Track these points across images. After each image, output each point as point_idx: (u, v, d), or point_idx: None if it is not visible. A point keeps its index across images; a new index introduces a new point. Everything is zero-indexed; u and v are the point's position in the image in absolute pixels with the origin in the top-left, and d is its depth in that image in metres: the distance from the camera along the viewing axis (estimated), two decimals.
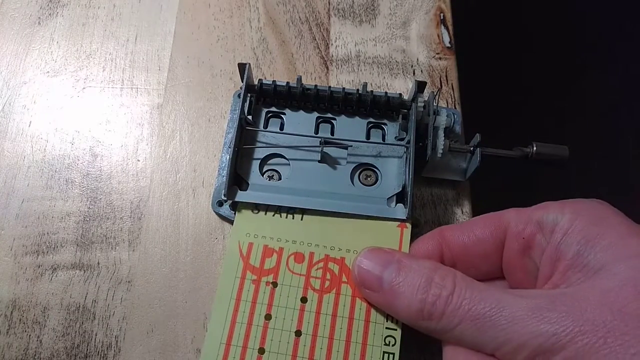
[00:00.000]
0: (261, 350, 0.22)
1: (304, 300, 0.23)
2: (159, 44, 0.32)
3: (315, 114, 0.28)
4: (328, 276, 0.24)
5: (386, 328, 0.23)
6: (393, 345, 0.22)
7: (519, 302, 0.18)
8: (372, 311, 0.23)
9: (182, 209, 0.27)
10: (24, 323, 0.25)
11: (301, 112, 0.28)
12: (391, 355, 0.22)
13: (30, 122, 0.29)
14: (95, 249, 0.26)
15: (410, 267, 0.21)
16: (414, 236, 0.27)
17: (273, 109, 0.28)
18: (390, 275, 0.21)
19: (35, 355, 0.24)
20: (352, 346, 0.22)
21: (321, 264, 0.24)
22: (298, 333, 0.22)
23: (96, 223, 0.27)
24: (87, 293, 0.25)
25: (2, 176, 0.28)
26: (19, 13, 0.33)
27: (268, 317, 0.23)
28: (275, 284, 0.23)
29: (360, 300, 0.23)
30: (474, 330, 0.18)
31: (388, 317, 0.23)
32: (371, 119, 0.28)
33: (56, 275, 0.26)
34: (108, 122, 0.30)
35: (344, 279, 0.24)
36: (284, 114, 0.28)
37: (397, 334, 0.22)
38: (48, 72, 0.31)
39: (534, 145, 0.28)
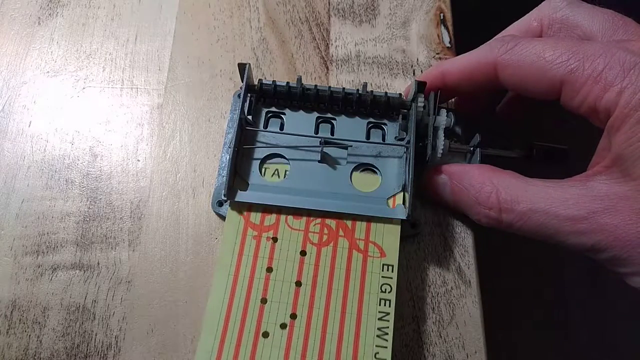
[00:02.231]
0: (263, 300, 0.24)
1: (303, 253, 0.25)
2: (159, 44, 0.32)
3: (315, 114, 0.28)
4: (325, 231, 0.25)
5: (382, 277, 0.24)
6: (389, 292, 0.24)
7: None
8: (368, 263, 0.24)
9: (182, 209, 0.27)
10: (24, 323, 0.25)
11: (301, 112, 0.28)
12: (387, 302, 0.24)
13: (30, 122, 0.29)
14: (95, 249, 0.26)
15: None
16: (413, 237, 0.27)
17: (273, 109, 0.28)
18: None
19: (35, 355, 0.24)
20: (349, 295, 0.24)
21: (319, 220, 0.25)
22: (298, 284, 0.24)
23: (96, 223, 0.27)
24: (87, 293, 0.25)
25: (2, 176, 0.28)
26: (19, 13, 0.33)
27: (269, 269, 0.24)
28: (275, 239, 0.25)
29: (356, 252, 0.25)
30: None
31: (383, 267, 0.24)
32: (371, 119, 0.28)
33: (56, 275, 0.26)
34: (108, 122, 0.29)
35: (341, 232, 0.25)
36: (284, 114, 0.28)
37: (393, 282, 0.24)
38: (48, 72, 0.31)
39: (534, 145, 0.28)
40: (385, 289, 0.24)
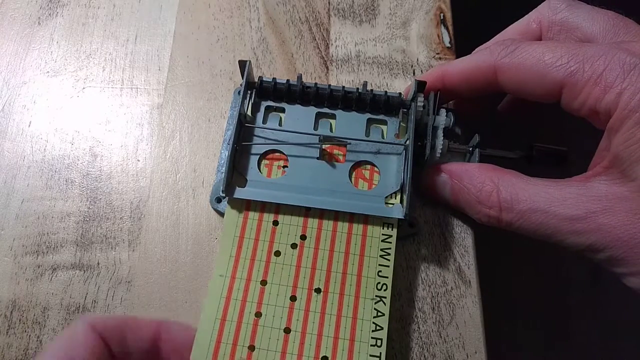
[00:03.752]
0: (275, 223, 0.25)
1: (303, 237, 0.25)
2: (159, 44, 0.32)
3: (315, 111, 0.28)
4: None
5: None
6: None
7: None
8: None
9: (182, 209, 0.27)
10: (24, 323, 0.25)
11: (301, 108, 0.28)
12: (390, 226, 0.25)
13: (30, 122, 0.29)
14: (95, 249, 0.26)
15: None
16: (411, 236, 0.27)
17: (273, 104, 0.28)
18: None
19: (35, 355, 0.24)
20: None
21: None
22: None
23: (96, 223, 0.27)
24: (87, 293, 0.25)
25: (2, 176, 0.28)
26: (19, 13, 0.33)
27: (275, 222, 0.25)
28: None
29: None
30: None
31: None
32: (371, 116, 0.28)
33: (56, 276, 0.26)
34: (108, 122, 0.30)
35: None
36: (284, 109, 0.28)
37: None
38: (48, 72, 0.31)
39: (534, 146, 0.28)
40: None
